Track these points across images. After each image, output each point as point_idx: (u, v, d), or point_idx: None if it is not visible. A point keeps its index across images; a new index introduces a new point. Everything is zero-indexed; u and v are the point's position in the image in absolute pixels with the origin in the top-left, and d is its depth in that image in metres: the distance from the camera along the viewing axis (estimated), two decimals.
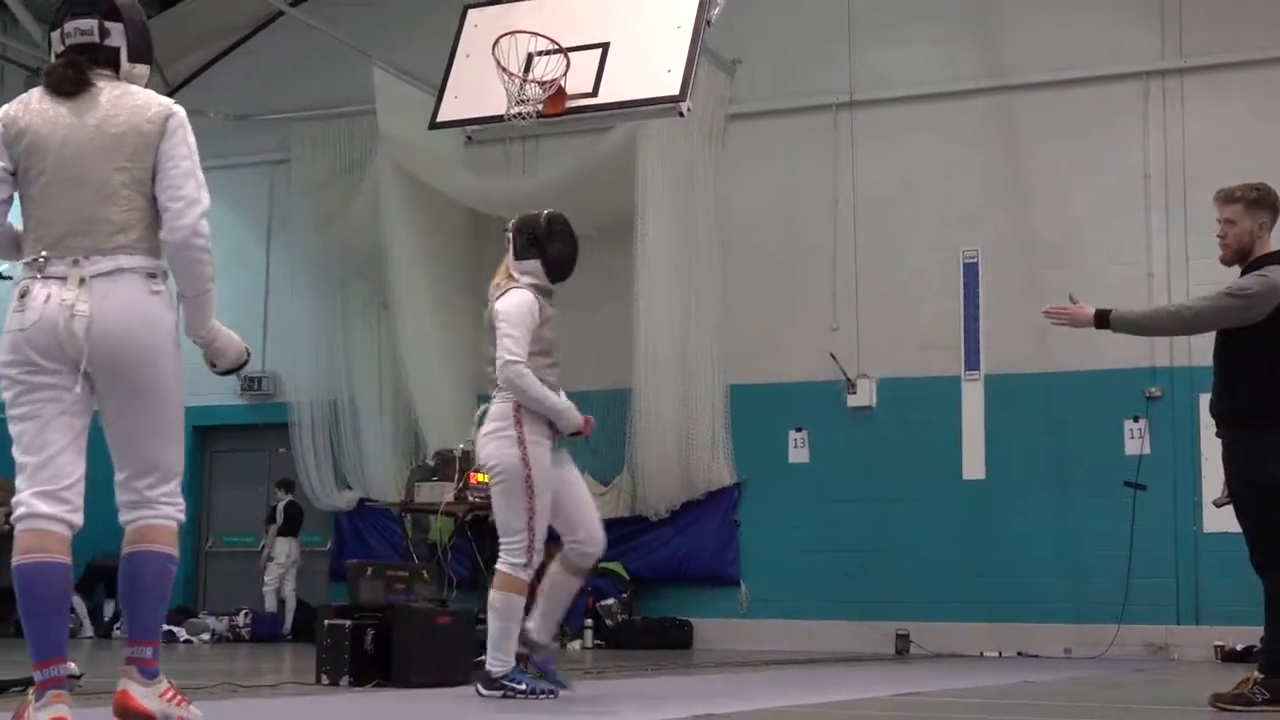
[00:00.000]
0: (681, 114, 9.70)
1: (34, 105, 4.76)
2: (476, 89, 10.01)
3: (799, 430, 16.62)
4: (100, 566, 18.43)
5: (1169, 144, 15.68)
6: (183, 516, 4.84)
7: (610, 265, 16.91)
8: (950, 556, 15.74)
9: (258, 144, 19.50)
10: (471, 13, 10.49)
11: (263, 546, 18.01)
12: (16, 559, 4.53)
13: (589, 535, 7.49)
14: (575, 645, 15.95)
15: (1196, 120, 15.64)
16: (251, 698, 7.20)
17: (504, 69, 9.59)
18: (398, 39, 17.75)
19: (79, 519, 4.63)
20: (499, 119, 9.84)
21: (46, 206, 4.68)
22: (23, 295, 4.60)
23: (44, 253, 4.64)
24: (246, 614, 17.49)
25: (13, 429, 4.61)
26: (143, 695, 4.72)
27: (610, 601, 16.54)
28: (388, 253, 17.60)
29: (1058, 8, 16.26)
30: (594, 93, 9.73)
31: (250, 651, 14.58)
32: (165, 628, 16.71)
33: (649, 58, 9.68)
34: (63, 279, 4.59)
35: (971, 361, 16.11)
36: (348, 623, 8.08)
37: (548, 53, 9.69)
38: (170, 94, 19.57)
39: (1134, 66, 15.87)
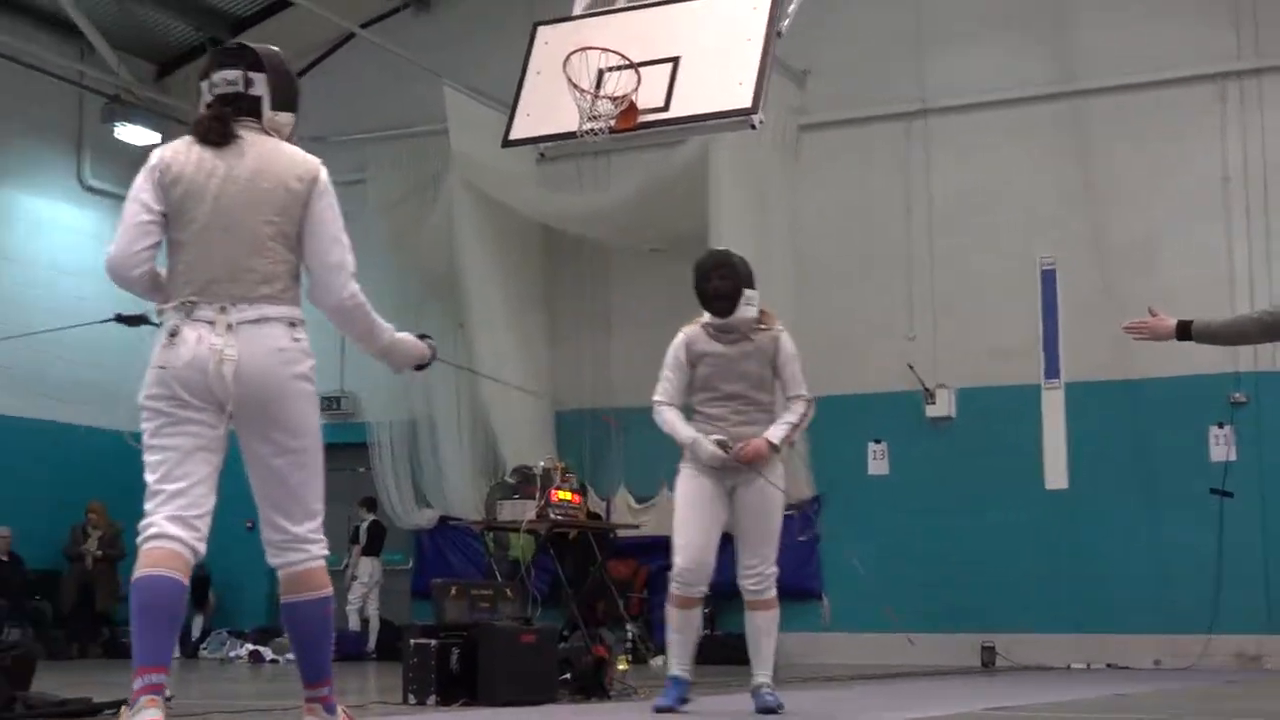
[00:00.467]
0: (753, 126, 9.65)
1: (186, 152, 4.94)
2: (548, 106, 10.00)
3: (878, 442, 16.51)
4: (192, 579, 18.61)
5: (1248, 146, 15.48)
6: (327, 551, 5.02)
7: (684, 278, 16.69)
8: (1034, 567, 15.58)
9: (332, 165, 19.14)
10: (542, 30, 10.49)
11: (346, 566, 18.09)
12: (140, 571, 4.69)
13: (741, 567, 7.57)
14: (658, 661, 15.88)
15: (1277, 121, 15.42)
16: None
17: (575, 85, 9.57)
18: (468, 58, 17.82)
19: (203, 549, 4.79)
20: (571, 135, 9.82)
21: (197, 252, 4.85)
22: (173, 334, 4.77)
23: (192, 296, 4.80)
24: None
25: (151, 457, 4.80)
26: None
27: None
28: (462, 271, 17.67)
29: (1131, 9, 16.10)
30: (665, 107, 9.69)
31: (335, 671, 14.62)
32: (251, 647, 17.01)
33: (720, 70, 9.64)
34: (210, 323, 4.77)
35: (1051, 369, 15.96)
36: (433, 642, 8.08)
37: (619, 68, 9.66)
38: None
39: (1210, 68, 15.69)
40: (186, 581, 4.74)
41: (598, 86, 9.65)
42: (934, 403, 16.22)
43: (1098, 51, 16.20)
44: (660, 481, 17.63)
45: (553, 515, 12.51)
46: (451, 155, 17.67)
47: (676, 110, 9.70)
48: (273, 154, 4.98)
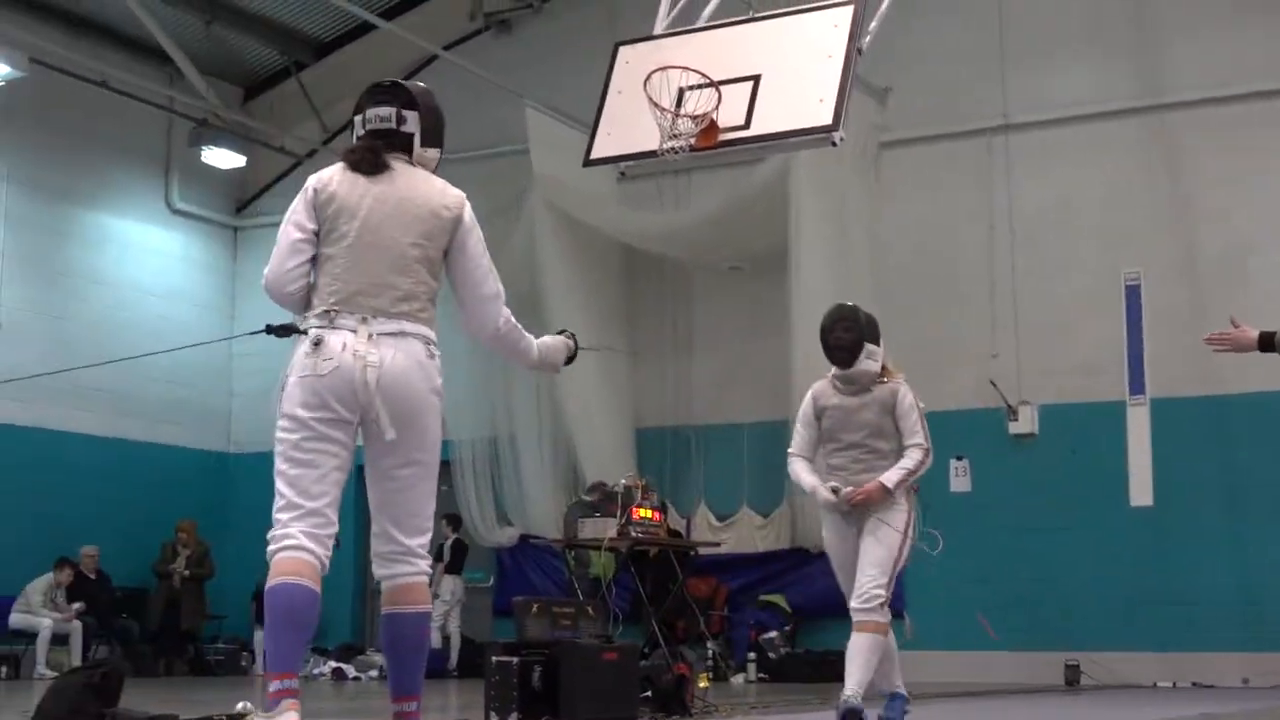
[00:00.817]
0: (834, 143, 9.63)
1: (340, 176, 5.17)
2: (629, 125, 10.03)
3: (960, 459, 16.41)
4: None
5: None
6: (429, 569, 5.23)
7: (764, 296, 16.91)
8: (1119, 585, 15.43)
9: None
10: (622, 50, 10.53)
11: (429, 583, 18.20)
12: (276, 579, 4.88)
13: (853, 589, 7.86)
14: (739, 679, 15.88)
15: None
16: None
17: (656, 104, 9.60)
18: (549, 79, 17.92)
19: (328, 565, 4.99)
20: (652, 154, 9.84)
21: (344, 266, 5.07)
22: (317, 344, 4.97)
23: (335, 305, 5.02)
24: None
25: (289, 469, 5.00)
26: None
27: (773, 634, 16.46)
28: (545, 290, 17.74)
29: (1215, 21, 15.95)
30: (746, 125, 9.69)
31: None
32: (334, 665, 17.16)
33: (800, 88, 9.63)
34: (353, 331, 4.98)
35: (1136, 385, 15.81)
36: (515, 659, 8.11)
37: (699, 86, 9.68)
38: (329, 139, 20.15)
39: None
40: (319, 589, 4.89)
41: (678, 105, 9.68)
42: (1017, 419, 16.11)
43: (1183, 64, 16.06)
44: (740, 500, 17.65)
45: (634, 533, 12.53)
46: (533, 175, 17.77)
47: (757, 128, 9.70)
48: (422, 182, 5.24)
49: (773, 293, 16.79)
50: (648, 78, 9.61)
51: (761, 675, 16.04)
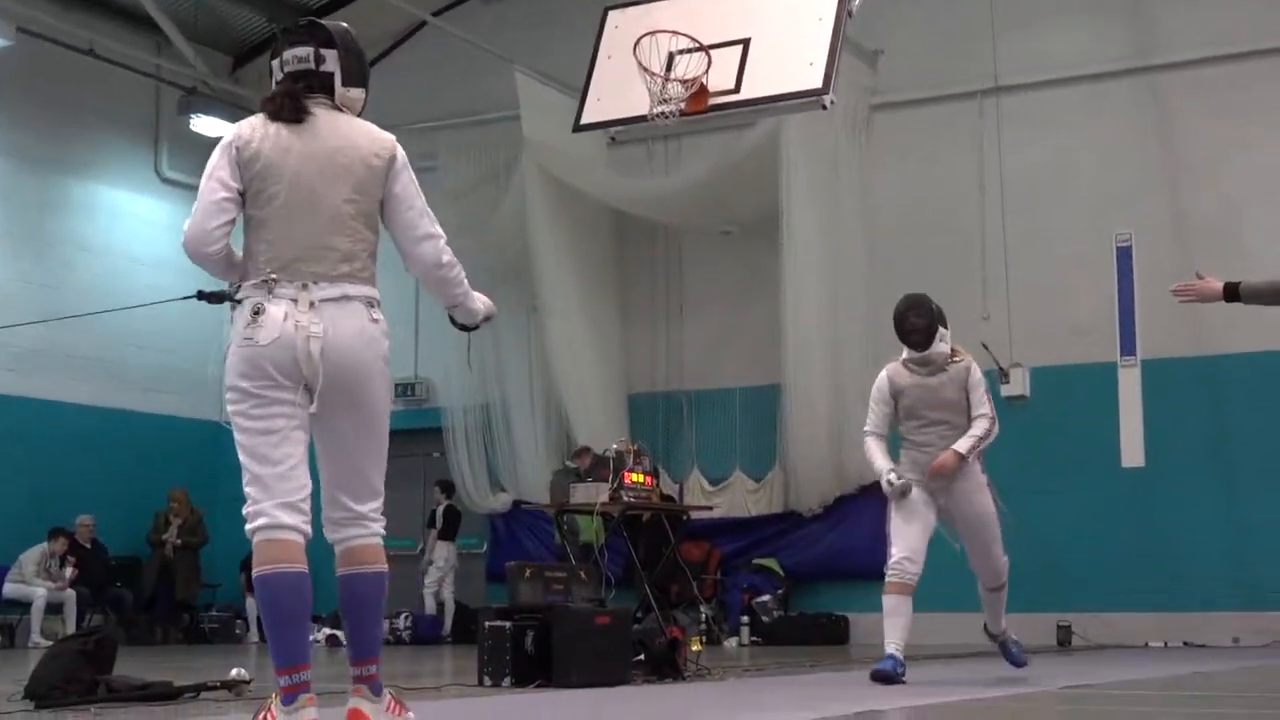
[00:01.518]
0: (825, 107, 9.62)
1: (262, 129, 4.87)
2: (619, 90, 10.01)
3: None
4: None
5: None
6: (384, 531, 5.05)
7: (755, 261, 16.90)
8: (1111, 546, 15.48)
9: (405, 153, 19.73)
10: (612, 14, 10.50)
11: (421, 550, 18.23)
12: (263, 568, 4.72)
13: (974, 567, 8.84)
14: (732, 642, 15.93)
15: None
16: (417, 700, 7.28)
17: (646, 69, 9.58)
18: (538, 44, 17.86)
19: (309, 530, 4.82)
20: (642, 119, 9.82)
21: (277, 230, 4.81)
22: (256, 313, 4.72)
23: (273, 274, 4.76)
24: (407, 617, 17.71)
25: (246, 440, 4.75)
26: (373, 713, 4.93)
27: (766, 598, 16.51)
28: (535, 256, 17.74)
29: None
30: (736, 89, 9.68)
31: (411, 654, 14.75)
32: (329, 632, 17.20)
33: (790, 51, 9.61)
34: (294, 300, 4.74)
35: (1127, 347, 15.82)
36: (508, 624, 8.14)
37: (689, 51, 9.65)
38: None
39: None
40: (306, 568, 4.77)
41: (668, 69, 9.66)
42: (1009, 382, 16.11)
43: (1175, 25, 16.02)
44: (733, 464, 17.68)
45: (626, 498, 12.53)
46: (523, 141, 17.74)
47: (747, 92, 9.68)
48: (349, 131, 4.99)
49: (764, 257, 16.79)
50: (637, 42, 9.59)
51: (754, 639, 16.09)
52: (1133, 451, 15.66)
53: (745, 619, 16.28)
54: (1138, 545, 15.40)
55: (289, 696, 4.67)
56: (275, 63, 5.06)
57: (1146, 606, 15.19)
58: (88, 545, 17.73)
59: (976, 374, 8.57)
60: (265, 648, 4.82)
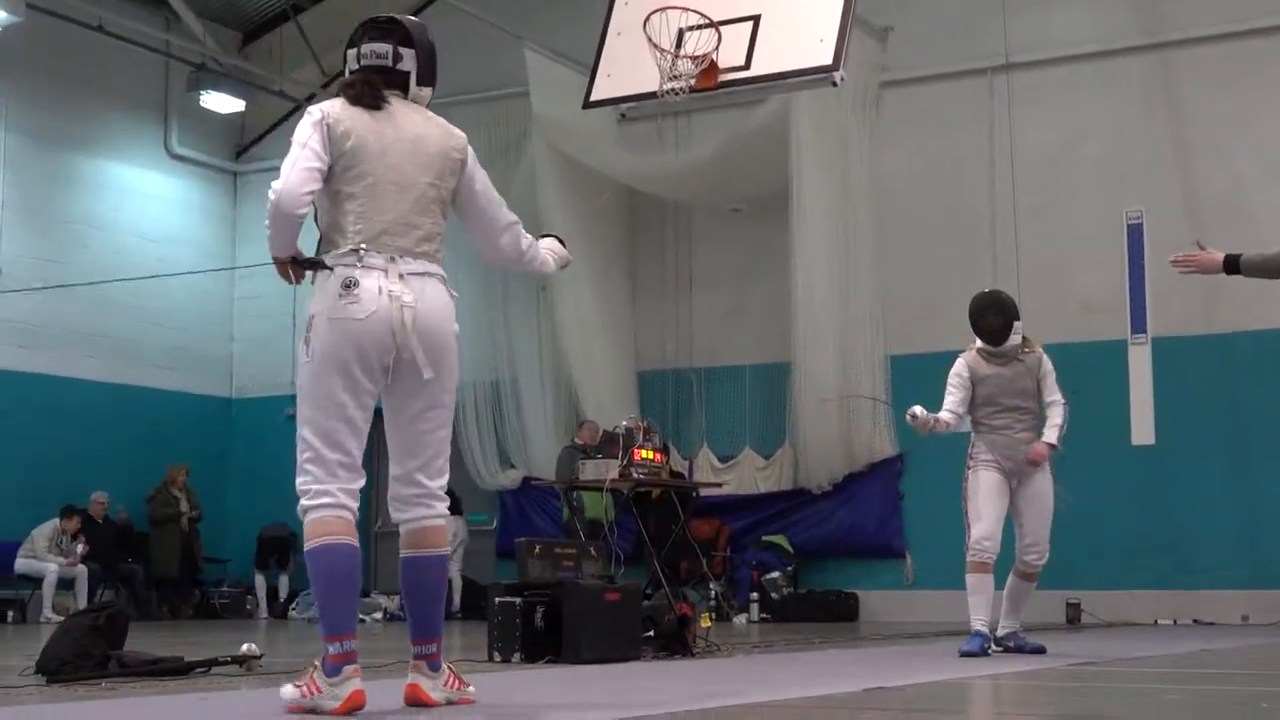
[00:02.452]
0: (835, 84, 9.61)
1: (347, 111, 5.09)
2: (629, 67, 10.00)
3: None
4: (273, 539, 18.85)
5: None
6: (446, 512, 5.31)
7: (765, 238, 16.89)
8: (1120, 524, 15.48)
9: None
10: None
11: None
12: (320, 540, 4.89)
13: (1026, 546, 9.15)
14: (741, 619, 15.96)
15: None
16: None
17: (656, 45, 9.58)
18: (548, 20, 17.84)
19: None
20: (652, 96, 9.82)
21: (367, 204, 5.03)
22: (349, 285, 4.91)
23: (363, 245, 4.97)
24: None
25: (321, 419, 4.92)
26: (431, 689, 5.14)
27: (775, 575, 16.54)
28: (544, 232, 17.71)
29: None
30: (746, 65, 9.67)
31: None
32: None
33: (801, 28, 9.60)
34: (383, 271, 4.96)
35: (1138, 324, 15.77)
36: (518, 600, 8.17)
37: (699, 27, 9.65)
38: (327, 83, 20.06)
39: None
40: (358, 545, 4.96)
41: (678, 46, 9.66)
42: None
43: (1185, 2, 15.96)
44: (743, 441, 17.69)
45: (635, 474, 12.54)
46: (533, 118, 17.73)
47: (757, 69, 9.68)
48: (427, 122, 5.27)
49: (773, 234, 16.77)
50: (647, 18, 9.59)
51: (764, 615, 16.13)
52: (1143, 429, 15.61)
53: (754, 596, 16.31)
54: (1147, 523, 15.40)
55: (334, 666, 4.82)
56: (351, 53, 5.28)
57: (1156, 584, 15.19)
58: (100, 521, 17.78)
59: (1047, 364, 9.18)
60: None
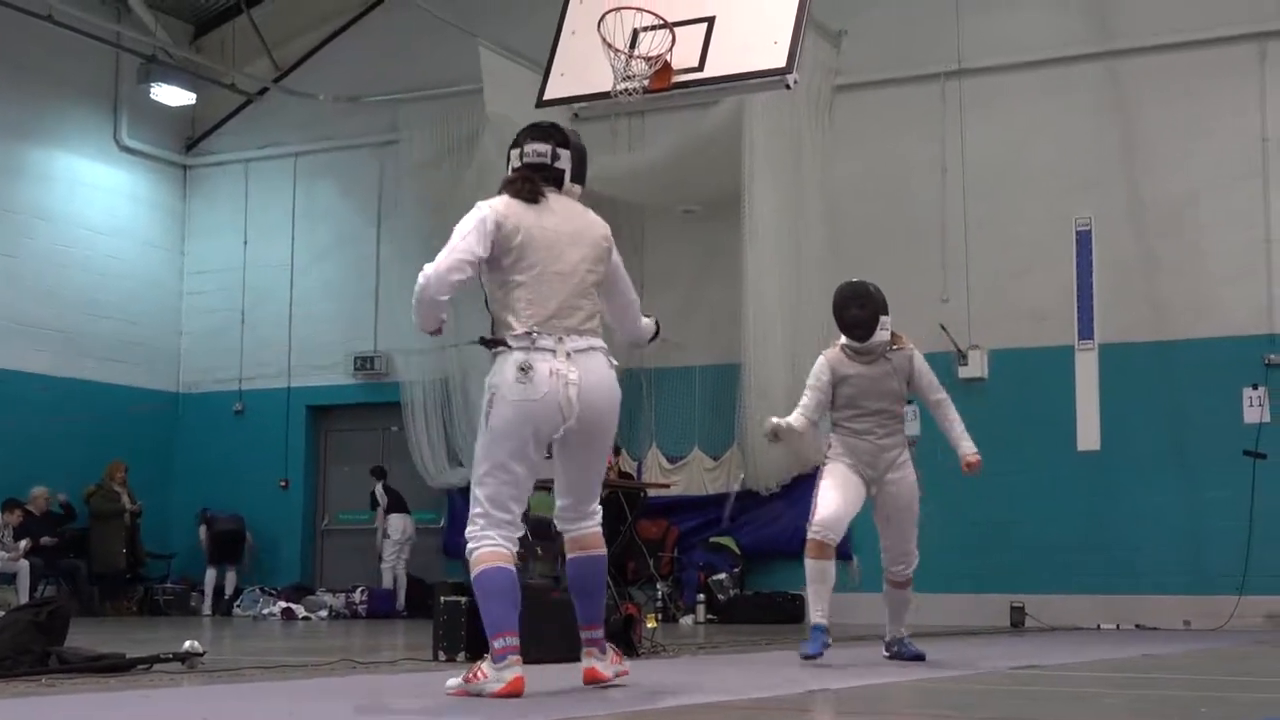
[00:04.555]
0: (788, 86, 9.60)
1: (513, 208, 5.89)
2: (583, 66, 9.98)
3: (909, 403, 16.42)
4: (226, 533, 18.78)
5: None
6: (600, 519, 6.24)
7: (717, 239, 16.93)
8: (1065, 528, 15.58)
9: (367, 126, 19.70)
10: None
11: (377, 525, 18.18)
12: (487, 564, 5.85)
13: (894, 554, 8.55)
14: (688, 620, 15.99)
15: None
16: (372, 674, 7.29)
17: (610, 45, 9.55)
18: (503, 18, 17.80)
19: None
20: (606, 95, 9.79)
21: (537, 292, 5.84)
22: (525, 369, 5.75)
23: (535, 328, 5.78)
24: (363, 591, 17.69)
25: (493, 483, 5.86)
26: (604, 668, 6.16)
27: (722, 576, 16.56)
28: None
29: None
30: (700, 67, 9.66)
31: (366, 628, 14.75)
32: (284, 605, 17.18)
33: (755, 30, 9.60)
34: (552, 352, 5.78)
35: (1085, 331, 15.91)
36: (464, 599, 8.14)
37: (653, 28, 9.63)
38: (279, 78, 19.96)
39: (1250, 27, 15.57)
40: (514, 569, 5.85)
41: (632, 46, 9.64)
42: (966, 364, 16.19)
43: (1136, 10, 16.09)
44: (692, 442, 17.71)
45: None
46: (486, 115, 17.67)
47: (711, 70, 9.67)
48: (582, 215, 6.12)
49: (725, 236, 16.80)
50: (602, 18, 9.56)
51: (710, 616, 16.14)
52: (1089, 435, 15.75)
53: (701, 597, 16.33)
54: (1091, 528, 15.51)
55: (500, 656, 5.67)
56: (514, 152, 6.12)
57: (1099, 589, 15.30)
58: (41, 516, 17.62)
59: (920, 361, 8.53)
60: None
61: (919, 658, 8.43)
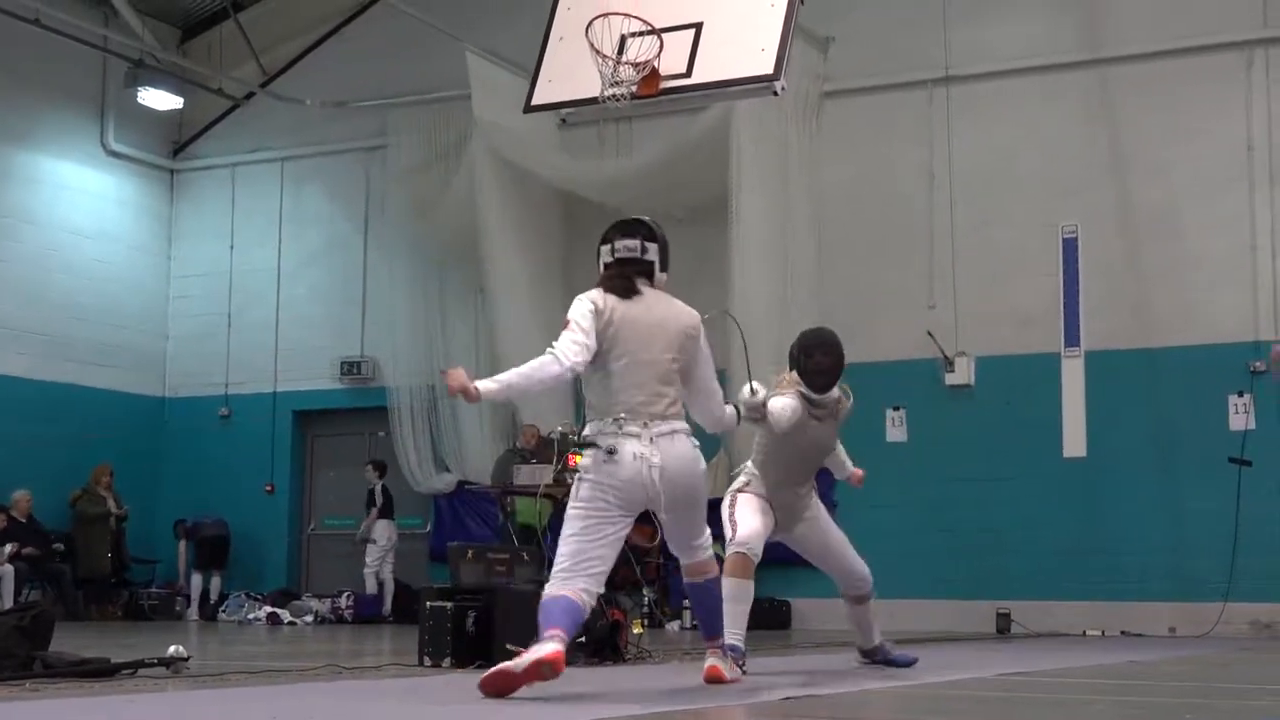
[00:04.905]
0: (776, 93, 9.62)
1: (609, 302, 6.35)
2: (570, 72, 9.99)
3: (896, 409, 16.50)
4: (213, 538, 18.75)
5: (1273, 114, 15.42)
6: (711, 546, 6.83)
7: (705, 245, 16.89)
8: (1051, 535, 15.60)
9: (354, 131, 19.68)
10: None
11: (359, 531, 18.12)
12: (553, 593, 6.16)
13: (843, 581, 8.61)
14: (674, 626, 15.96)
15: None
16: (358, 679, 7.28)
17: (597, 51, 9.56)
18: (491, 23, 17.80)
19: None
20: (593, 101, 9.80)
21: (624, 380, 6.30)
22: (612, 452, 6.22)
23: (623, 414, 6.25)
24: (348, 596, 17.66)
25: (575, 540, 6.23)
26: (726, 670, 6.88)
27: None
28: (484, 237, 17.69)
29: None
30: (688, 73, 9.67)
31: (352, 633, 14.72)
32: (269, 610, 17.13)
33: (742, 36, 9.61)
34: (637, 436, 6.23)
35: (1071, 338, 15.93)
36: (449, 604, 8.14)
37: (641, 34, 9.64)
38: (266, 82, 19.92)
39: (1236, 35, 15.60)
40: (581, 603, 6.17)
41: (620, 52, 9.64)
42: (953, 370, 16.21)
43: (1123, 18, 16.11)
44: None
45: (569, 480, 12.52)
46: (474, 121, 17.67)
47: (699, 76, 9.68)
48: (670, 305, 6.52)
49: (713, 242, 16.78)
50: (589, 24, 9.57)
51: (696, 623, 16.10)
52: (1075, 442, 15.77)
53: (687, 603, 16.30)
54: (1078, 535, 15.53)
55: (544, 638, 5.94)
56: (605, 247, 6.61)
57: (1085, 596, 15.32)
58: (23, 520, 17.57)
59: (848, 407, 8.06)
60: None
61: (909, 663, 8.37)
